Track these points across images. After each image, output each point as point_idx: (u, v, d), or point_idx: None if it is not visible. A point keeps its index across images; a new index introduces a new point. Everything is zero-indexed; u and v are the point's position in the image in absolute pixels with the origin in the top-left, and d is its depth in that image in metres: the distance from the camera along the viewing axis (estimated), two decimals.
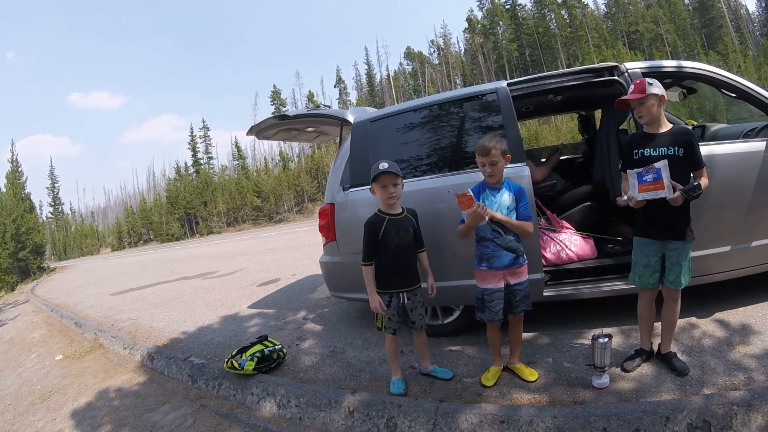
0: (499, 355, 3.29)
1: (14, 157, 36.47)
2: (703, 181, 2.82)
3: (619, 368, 3.09)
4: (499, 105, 3.73)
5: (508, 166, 3.23)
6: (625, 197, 2.96)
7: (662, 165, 2.72)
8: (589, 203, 4.59)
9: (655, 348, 3.17)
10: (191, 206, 54.36)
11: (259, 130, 4.97)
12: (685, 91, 4.72)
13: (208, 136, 70.21)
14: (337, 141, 4.94)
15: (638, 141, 3.00)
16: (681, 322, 3.44)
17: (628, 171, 2.92)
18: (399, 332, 3.30)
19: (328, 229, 4.24)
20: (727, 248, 3.47)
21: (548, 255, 3.99)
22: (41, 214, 69.70)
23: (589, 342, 3.40)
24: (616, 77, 3.74)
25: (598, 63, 4.08)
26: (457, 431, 2.78)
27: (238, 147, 67.50)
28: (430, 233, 3.53)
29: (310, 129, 5.35)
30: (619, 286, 3.55)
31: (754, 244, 3.47)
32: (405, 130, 4.08)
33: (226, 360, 4.05)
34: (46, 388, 5.25)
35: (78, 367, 5.75)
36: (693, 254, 2.96)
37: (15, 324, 11.35)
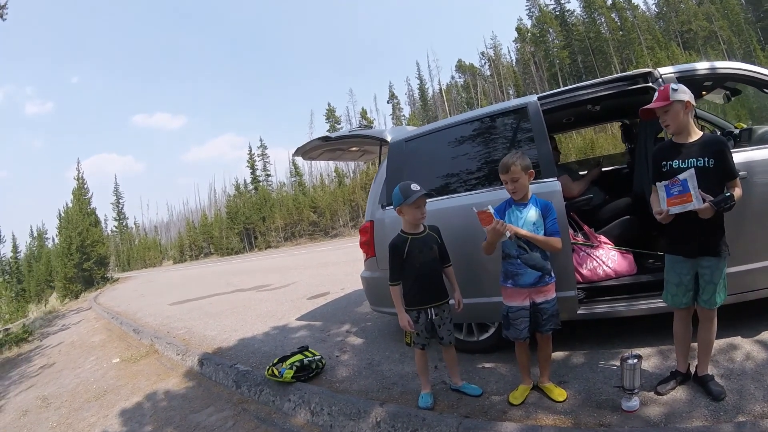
0: (528, 373, 3.26)
1: (80, 174, 38.50)
2: (737, 192, 2.67)
3: (652, 391, 2.96)
4: (529, 119, 3.72)
5: (538, 181, 3.26)
6: (655, 212, 2.86)
7: (688, 175, 2.61)
8: (628, 217, 4.46)
9: (693, 370, 3.01)
10: (250, 221, 55.59)
11: (304, 152, 5.16)
12: (728, 92, 4.52)
13: (266, 154, 71.71)
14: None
15: (666, 152, 2.87)
16: (722, 343, 3.30)
17: (657, 184, 2.81)
18: (429, 347, 3.35)
19: (368, 245, 4.35)
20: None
21: (584, 271, 3.92)
22: (106, 227, 73.52)
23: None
24: (650, 84, 3.64)
25: (633, 70, 4.00)
26: None
27: (294, 164, 68.56)
28: (463, 249, 3.60)
29: (354, 148, 5.50)
30: (657, 304, 3.40)
31: None
32: (438, 148, 4.15)
33: (268, 367, 4.24)
34: (101, 388, 5.63)
35: (133, 370, 6.11)
36: (735, 269, 2.86)
37: (77, 329, 12.08)
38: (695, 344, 3.00)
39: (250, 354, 5.29)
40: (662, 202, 2.77)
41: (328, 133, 4.84)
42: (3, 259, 70.79)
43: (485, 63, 73.88)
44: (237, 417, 3.96)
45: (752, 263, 3.24)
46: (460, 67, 75.94)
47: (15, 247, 74.03)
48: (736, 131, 4.10)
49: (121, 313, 11.50)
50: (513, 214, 3.07)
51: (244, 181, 71.84)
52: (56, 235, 44.22)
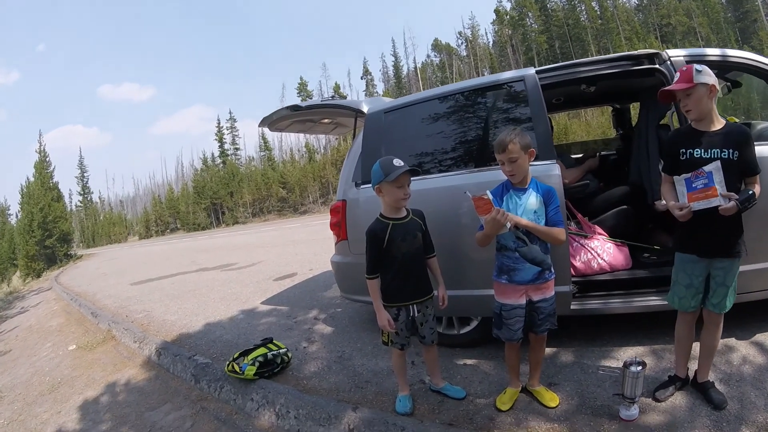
0: (517, 376, 2.96)
1: (42, 147, 37.16)
2: (756, 189, 2.44)
3: (650, 397, 2.73)
4: (527, 94, 3.37)
5: (536, 163, 2.92)
6: (663, 203, 2.59)
7: (714, 168, 2.34)
8: (624, 207, 4.15)
9: (691, 375, 2.81)
10: (217, 196, 54.84)
11: (271, 122, 4.74)
12: (729, 84, 4.20)
13: (234, 128, 70.58)
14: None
15: (685, 139, 2.56)
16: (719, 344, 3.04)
17: (675, 177, 2.53)
18: (408, 347, 2.99)
19: (339, 227, 3.97)
20: None
21: (577, 264, 3.61)
22: (71, 203, 71.62)
23: (617, 363, 3.10)
24: (657, 66, 3.33)
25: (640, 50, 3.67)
26: None
27: (264, 138, 67.61)
28: (448, 236, 3.27)
29: (326, 120, 5.10)
30: (655, 301, 3.18)
31: None
32: (423, 121, 3.75)
33: (228, 362, 3.86)
34: (56, 379, 5.25)
35: (89, 358, 5.73)
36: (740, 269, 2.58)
37: (36, 311, 11.53)
38: (696, 346, 2.80)
39: (211, 343, 4.92)
40: (681, 197, 2.50)
41: (298, 102, 4.42)
42: None
43: (462, 43, 73.78)
44: (195, 416, 3.62)
45: (754, 264, 2.99)
46: (437, 46, 75.69)
47: None
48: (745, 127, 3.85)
49: (81, 294, 10.96)
50: (511, 200, 2.69)
51: (212, 154, 70.74)
52: (18, 212, 42.70)
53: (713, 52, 3.36)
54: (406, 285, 2.87)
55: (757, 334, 3.26)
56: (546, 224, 2.65)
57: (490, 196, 2.50)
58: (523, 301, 2.71)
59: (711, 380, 2.72)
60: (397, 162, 2.71)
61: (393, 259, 2.81)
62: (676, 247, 2.68)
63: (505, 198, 2.69)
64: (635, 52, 3.46)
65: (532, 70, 3.45)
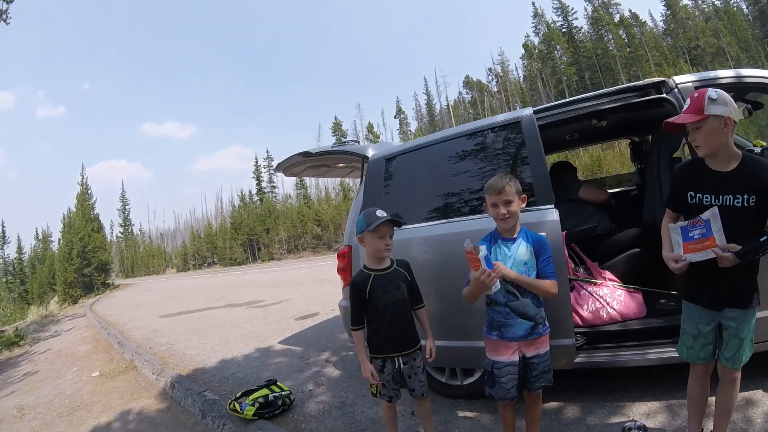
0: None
1: (84, 179, 38.97)
2: None
3: None
4: (523, 135, 3.30)
5: (533, 208, 2.87)
6: (668, 257, 2.34)
7: (711, 215, 2.10)
8: (637, 250, 3.92)
9: None
10: (254, 233, 55.33)
11: (285, 167, 4.83)
12: (749, 106, 3.93)
13: (272, 166, 71.35)
14: None
15: (696, 179, 2.26)
16: (738, 398, 2.69)
17: (670, 225, 2.32)
18: (398, 399, 2.90)
19: (345, 272, 3.94)
20: None
21: (584, 314, 3.43)
22: (111, 234, 73.58)
23: (627, 419, 2.90)
24: (664, 95, 3.15)
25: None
26: None
27: (300, 177, 68.41)
28: (443, 284, 3.22)
29: (340, 165, 5.13)
30: (670, 353, 2.93)
31: None
32: (422, 167, 3.74)
33: (230, 401, 3.89)
34: (75, 403, 5.42)
35: (109, 386, 5.88)
36: (760, 315, 2.38)
37: (67, 336, 11.84)
38: (712, 400, 2.54)
39: (224, 380, 4.97)
40: (677, 246, 2.27)
41: (308, 149, 4.50)
42: (7, 260, 71.16)
43: (492, 79, 73.86)
44: None
45: None
46: (468, 83, 75.96)
47: (20, 248, 74.61)
48: (757, 149, 3.61)
49: (112, 323, 11.26)
50: (500, 250, 2.59)
51: (250, 192, 71.82)
52: (60, 240, 44.33)
53: (726, 74, 3.15)
54: (390, 337, 2.79)
55: None
56: (537, 276, 2.54)
57: (483, 253, 2.40)
58: (515, 357, 2.58)
59: None
60: (380, 213, 2.71)
61: (375, 310, 2.76)
62: (682, 295, 2.48)
63: (493, 249, 2.59)
64: (640, 83, 3.30)
65: (529, 110, 3.38)
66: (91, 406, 5.13)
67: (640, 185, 5.41)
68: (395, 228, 2.85)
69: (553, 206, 3.09)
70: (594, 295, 3.48)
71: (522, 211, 2.70)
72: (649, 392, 3.23)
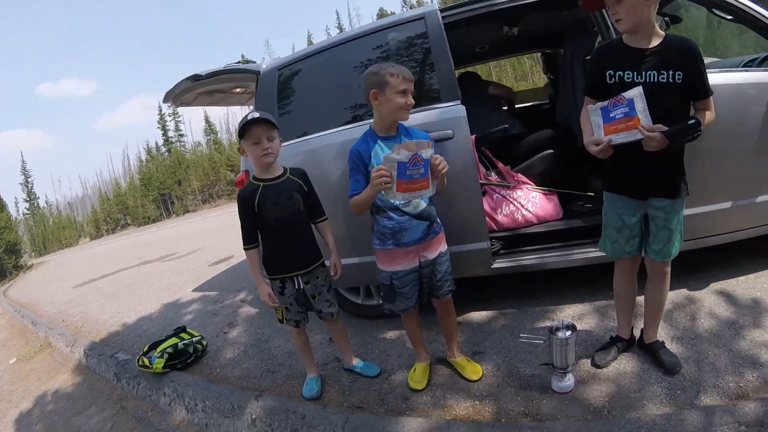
0: (422, 347, 2.73)
1: None
2: (708, 116, 2.04)
3: (589, 361, 2.46)
4: (427, 34, 3.07)
5: (440, 105, 2.72)
6: (588, 141, 2.27)
7: (636, 94, 1.93)
8: (551, 151, 3.83)
9: (637, 335, 2.54)
10: (165, 186, 53.23)
11: (175, 96, 4.35)
12: (667, 19, 3.73)
13: (177, 113, 67.75)
14: None
15: (615, 57, 2.09)
16: (669, 295, 2.66)
17: (590, 107, 2.12)
18: (306, 323, 2.74)
19: None
20: (727, 205, 2.81)
21: (499, 217, 3.36)
22: (17, 211, 68.40)
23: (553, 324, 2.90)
24: None
25: None
26: None
27: (208, 121, 65.82)
28: (347, 197, 3.01)
29: (237, 90, 4.69)
30: (591, 253, 2.91)
31: (760, 199, 2.80)
32: (320, 74, 3.43)
33: (138, 356, 3.62)
34: None
35: (27, 369, 5.47)
36: (689, 212, 2.34)
37: None
38: (641, 299, 2.51)
39: (137, 338, 4.66)
40: (597, 129, 2.10)
41: (198, 72, 4.05)
42: None
43: (407, 11, 72.31)
44: (116, 417, 3.43)
45: (703, 206, 2.76)
46: (382, 15, 74.00)
47: None
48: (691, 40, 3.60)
49: (25, 305, 10.36)
50: (382, 152, 2.28)
51: (156, 144, 68.45)
52: None
53: None
54: (286, 254, 2.56)
55: (712, 283, 3.00)
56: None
57: (429, 153, 2.10)
58: (415, 263, 2.43)
59: (661, 340, 2.44)
60: (252, 114, 2.39)
61: (267, 225, 2.50)
62: (604, 185, 2.34)
63: (372, 152, 2.32)
64: None
65: (433, 7, 3.14)
66: (11, 395, 4.75)
67: (552, 96, 5.36)
68: (299, 139, 2.62)
69: (459, 102, 2.90)
70: (508, 198, 3.41)
71: (426, 109, 2.60)
72: (573, 296, 3.22)
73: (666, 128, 1.92)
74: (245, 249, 2.53)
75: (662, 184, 2.11)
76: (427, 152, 2.07)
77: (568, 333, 2.24)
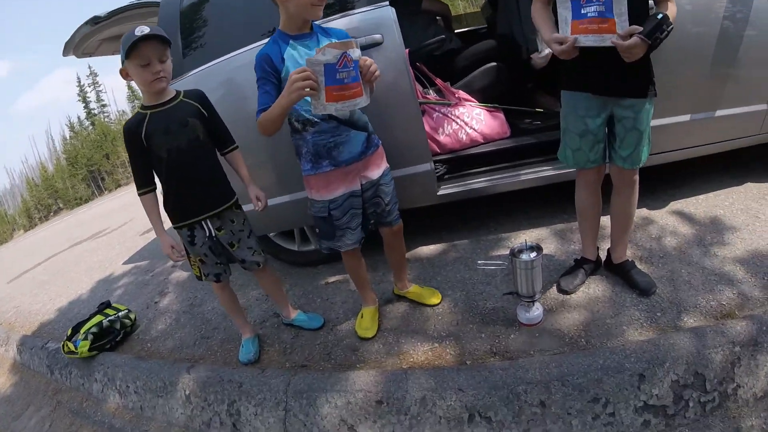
0: (369, 289, 2.48)
1: None
2: (671, 9, 1.77)
3: (555, 287, 2.29)
4: None
5: (365, 9, 2.46)
6: (542, 56, 2.07)
7: None
8: (494, 64, 3.49)
9: (603, 256, 2.38)
10: (93, 162, 50.77)
11: (75, 46, 3.81)
12: None
13: (97, 83, 63.87)
14: None
15: None
16: None
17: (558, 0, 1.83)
18: (228, 275, 2.44)
19: None
20: (686, 118, 2.62)
21: (441, 138, 3.07)
22: None
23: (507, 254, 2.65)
24: None
25: None
26: (319, 419, 2.02)
27: (130, 87, 62.33)
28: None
29: None
30: (545, 172, 2.71)
31: (719, 113, 2.63)
32: None
33: (63, 342, 3.26)
34: None
35: None
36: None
37: None
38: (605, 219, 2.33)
39: (68, 322, 4.20)
40: (563, 25, 1.82)
41: (97, 14, 3.49)
42: None
43: None
44: (53, 414, 3.14)
45: (660, 119, 2.52)
46: None
47: None
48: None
49: None
50: (297, 52, 1.94)
51: (79, 118, 64.66)
52: None
53: None
54: (186, 194, 2.20)
55: (671, 203, 2.88)
56: None
57: (357, 54, 1.77)
58: (356, 185, 2.13)
59: (630, 260, 2.29)
60: (139, 30, 1.95)
61: (160, 160, 2.12)
62: (562, 84, 2.08)
63: (285, 54, 1.95)
64: None
65: None
66: None
67: (491, 17, 4.84)
68: (210, 64, 2.37)
69: (387, 3, 2.53)
70: (450, 116, 3.11)
71: (348, 14, 2.40)
72: (527, 221, 3.04)
73: (641, 28, 1.67)
74: (139, 195, 2.18)
75: (630, 82, 1.88)
76: (355, 52, 1.75)
77: (533, 255, 2.03)
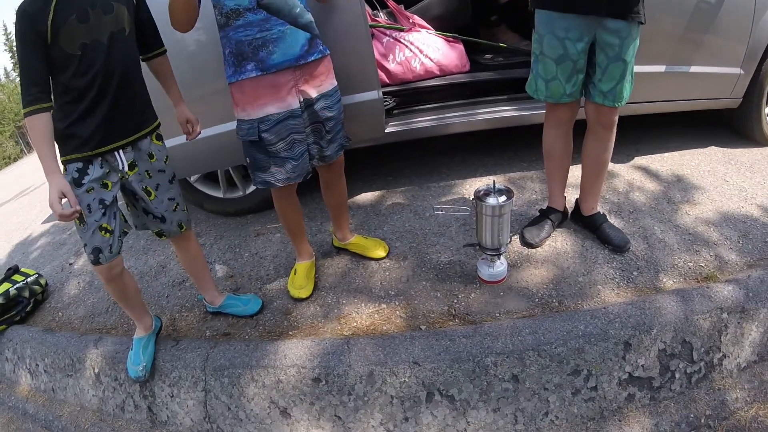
0: (305, 241, 2.11)
1: None
2: None
3: (518, 238, 2.04)
4: None
5: None
6: None
7: None
8: None
9: (570, 206, 2.14)
10: (21, 117, 47.62)
11: None
12: None
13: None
14: None
15: None
16: None
17: None
18: (117, 247, 1.71)
19: None
20: (661, 68, 2.42)
21: (392, 66, 2.68)
22: None
23: (468, 199, 2.30)
24: None
25: None
26: (245, 402, 1.72)
27: None
28: (214, 27, 1.97)
29: None
30: (508, 113, 2.43)
31: (695, 69, 2.46)
32: None
33: None
34: None
35: None
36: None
37: None
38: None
39: None
40: None
41: None
42: None
43: None
44: None
45: (641, 66, 2.20)
46: None
47: None
48: None
49: None
50: None
51: (5, 70, 60.52)
52: None
53: None
54: (97, 112, 1.56)
55: (636, 158, 2.70)
56: None
57: None
58: (295, 102, 1.71)
59: (602, 212, 2.06)
60: None
61: (69, 60, 1.49)
62: (537, 2, 1.78)
63: None
64: None
65: None
66: None
67: None
68: None
69: None
70: (402, 41, 2.73)
71: None
72: (482, 168, 2.75)
73: None
74: (30, 113, 1.46)
75: (619, 3, 1.61)
76: None
77: (503, 198, 1.72)
